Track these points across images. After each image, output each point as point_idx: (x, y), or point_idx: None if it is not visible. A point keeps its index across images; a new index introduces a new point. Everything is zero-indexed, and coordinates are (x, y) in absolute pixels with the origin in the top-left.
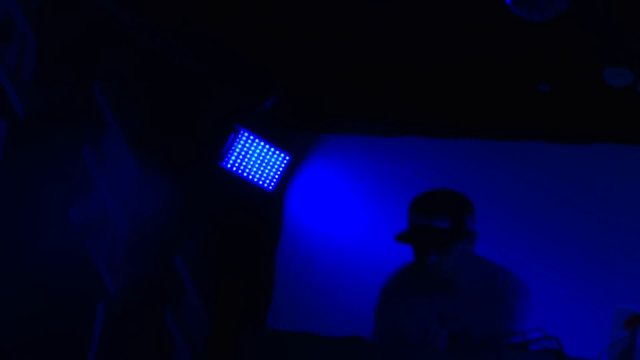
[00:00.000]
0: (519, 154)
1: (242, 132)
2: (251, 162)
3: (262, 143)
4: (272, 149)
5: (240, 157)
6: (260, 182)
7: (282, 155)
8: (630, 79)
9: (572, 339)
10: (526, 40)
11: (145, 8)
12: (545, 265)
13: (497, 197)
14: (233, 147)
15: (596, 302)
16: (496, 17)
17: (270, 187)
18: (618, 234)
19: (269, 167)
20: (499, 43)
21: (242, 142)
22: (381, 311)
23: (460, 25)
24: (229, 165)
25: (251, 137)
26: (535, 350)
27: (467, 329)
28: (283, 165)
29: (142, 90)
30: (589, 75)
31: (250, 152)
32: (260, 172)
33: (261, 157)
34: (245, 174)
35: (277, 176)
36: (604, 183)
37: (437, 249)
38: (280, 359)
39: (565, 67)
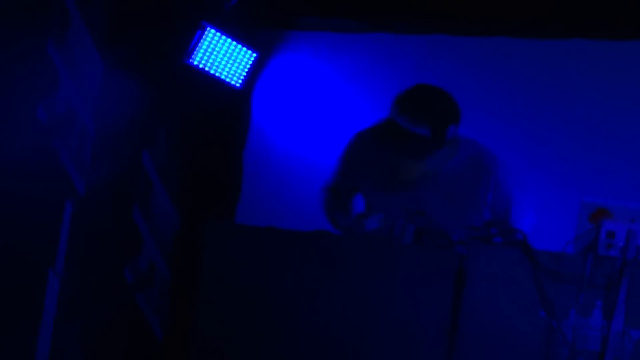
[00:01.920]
0: (488, 50)
1: (208, 28)
2: (218, 60)
3: (228, 40)
4: (239, 46)
5: (207, 54)
6: (228, 79)
7: (250, 52)
8: None
9: (537, 232)
10: None
11: None
12: (513, 158)
13: (467, 92)
14: (200, 44)
15: (562, 195)
16: None
17: (238, 85)
18: (585, 128)
19: (236, 65)
20: None
21: (208, 39)
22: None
23: None
24: (195, 63)
25: (218, 34)
26: (501, 242)
27: (434, 221)
28: (250, 62)
29: None
30: None
31: (217, 49)
32: (227, 69)
33: (228, 55)
34: (212, 72)
35: (244, 73)
36: (570, 78)
37: (414, 154)
38: (247, 253)
39: None
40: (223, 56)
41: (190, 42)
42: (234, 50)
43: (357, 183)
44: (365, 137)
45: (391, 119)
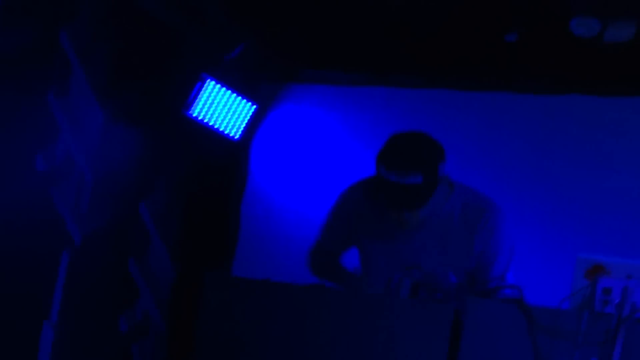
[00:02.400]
0: (487, 105)
1: (208, 80)
2: (217, 111)
3: (228, 92)
4: (239, 98)
5: (207, 106)
6: (227, 131)
7: (249, 104)
8: (597, 29)
9: (533, 288)
10: None
11: None
12: (508, 212)
13: (463, 146)
14: (199, 96)
15: (558, 251)
16: None
17: (237, 137)
18: (581, 183)
19: (235, 116)
20: None
21: (208, 90)
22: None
23: None
24: (195, 114)
25: (217, 86)
26: (497, 299)
27: (430, 276)
28: (250, 114)
29: (109, 37)
30: (556, 26)
31: (216, 101)
32: (226, 121)
33: (227, 106)
34: (211, 123)
35: (243, 125)
36: (568, 134)
37: (410, 204)
38: (244, 306)
39: (533, 16)
40: (222, 108)
41: (190, 93)
42: (233, 102)
43: (349, 238)
44: (354, 193)
45: (380, 177)
